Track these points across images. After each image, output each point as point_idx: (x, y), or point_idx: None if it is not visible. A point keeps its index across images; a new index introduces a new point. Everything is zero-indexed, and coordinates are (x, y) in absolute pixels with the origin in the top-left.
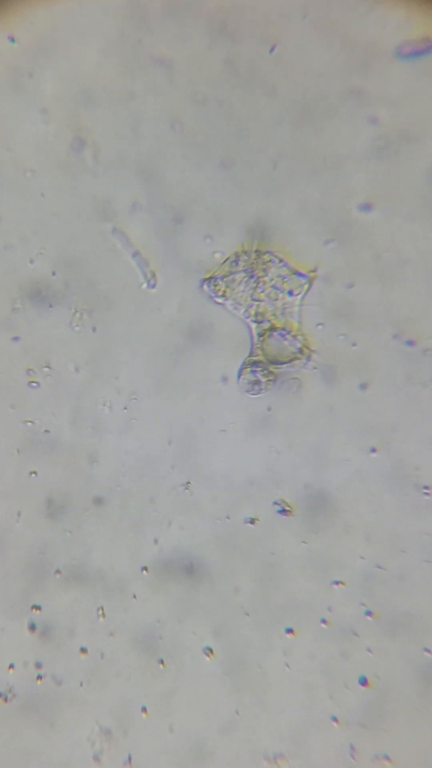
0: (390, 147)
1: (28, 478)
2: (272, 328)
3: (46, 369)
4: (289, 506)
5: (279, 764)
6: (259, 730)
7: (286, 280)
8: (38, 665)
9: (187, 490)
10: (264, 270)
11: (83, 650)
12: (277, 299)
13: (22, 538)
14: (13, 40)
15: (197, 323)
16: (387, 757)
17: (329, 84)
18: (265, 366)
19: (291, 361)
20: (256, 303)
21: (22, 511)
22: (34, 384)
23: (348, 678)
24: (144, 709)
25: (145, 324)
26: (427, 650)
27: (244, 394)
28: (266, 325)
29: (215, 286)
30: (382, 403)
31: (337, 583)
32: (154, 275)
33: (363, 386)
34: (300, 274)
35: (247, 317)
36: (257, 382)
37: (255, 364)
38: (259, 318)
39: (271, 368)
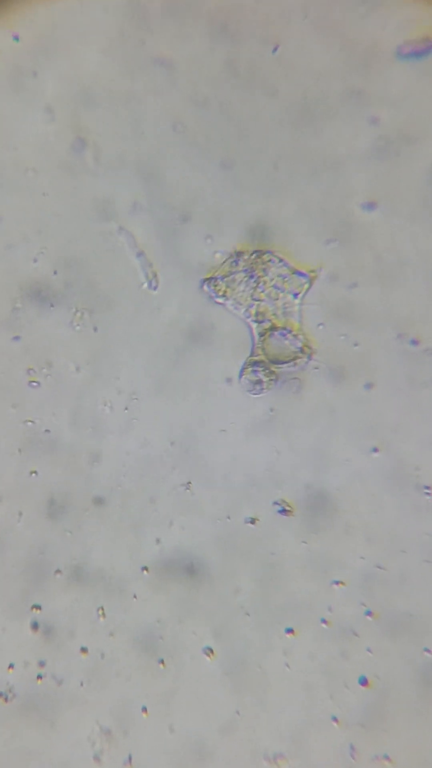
0: (390, 147)
1: (28, 477)
2: (273, 328)
3: (47, 369)
4: (289, 506)
5: (279, 764)
6: (259, 730)
7: (286, 279)
8: (39, 665)
9: (187, 490)
10: (264, 270)
11: (83, 650)
12: (277, 299)
13: (23, 538)
14: (17, 38)
15: (198, 323)
16: (387, 757)
17: (330, 84)
18: (266, 366)
19: (292, 360)
20: (257, 303)
21: (23, 511)
22: (34, 384)
23: (348, 678)
24: (144, 709)
25: (145, 324)
26: (427, 650)
27: (245, 394)
28: (267, 325)
29: (216, 286)
30: (384, 404)
31: (337, 583)
32: (156, 277)
33: (364, 386)
34: (300, 274)
35: (248, 317)
36: (259, 382)
37: (256, 363)
38: (260, 318)
39: (273, 368)
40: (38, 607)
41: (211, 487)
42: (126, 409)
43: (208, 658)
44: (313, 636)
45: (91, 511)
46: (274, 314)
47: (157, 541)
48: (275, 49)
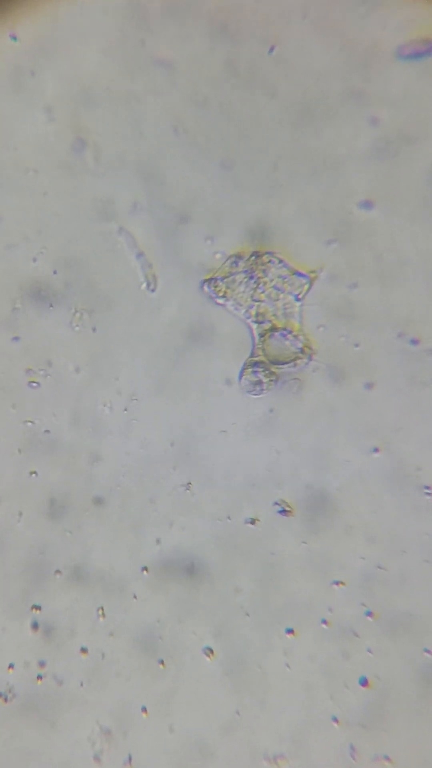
0: (390, 147)
1: (28, 478)
2: (273, 329)
3: (46, 369)
4: (289, 506)
5: (279, 764)
6: (260, 730)
7: (286, 280)
8: (39, 665)
9: (187, 491)
10: (264, 271)
11: (83, 650)
12: (277, 300)
13: (23, 538)
14: (14, 38)
15: (198, 324)
16: (387, 758)
17: (330, 85)
18: (266, 366)
19: (292, 361)
20: (257, 303)
21: (23, 511)
22: (34, 384)
23: (348, 678)
24: (144, 709)
25: (145, 324)
26: (428, 651)
27: (245, 395)
28: (267, 326)
29: (216, 286)
30: (384, 404)
31: (337, 583)
32: (155, 279)
33: (365, 386)
34: (300, 275)
35: (248, 318)
36: (259, 383)
37: (256, 364)
38: (260, 318)
39: (273, 368)
40: (38, 607)
41: (211, 488)
42: (125, 410)
43: (208, 659)
44: (313, 636)
45: (91, 511)
46: (275, 315)
47: (157, 541)
48: (271, 50)
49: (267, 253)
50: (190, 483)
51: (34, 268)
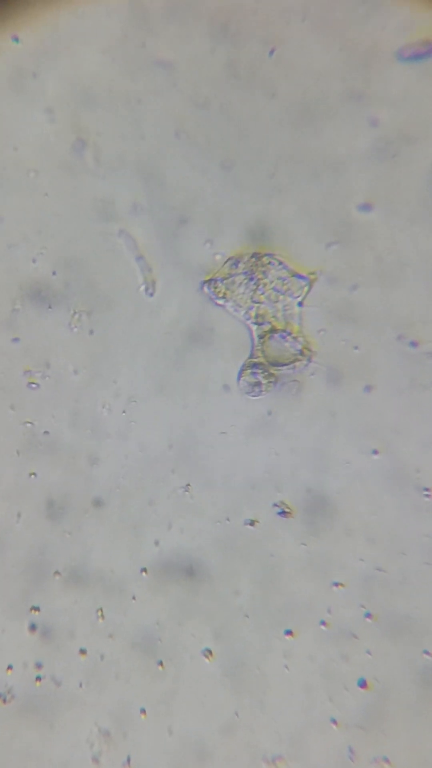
0: (390, 148)
1: (27, 479)
2: (273, 330)
3: (46, 370)
4: (289, 508)
5: (278, 766)
6: (259, 731)
7: (286, 282)
8: (38, 666)
9: (186, 492)
10: (264, 272)
11: (82, 651)
12: (277, 301)
13: (22, 539)
14: (16, 40)
15: (197, 325)
16: (386, 760)
17: (330, 86)
18: (265, 368)
19: (292, 362)
20: (257, 305)
21: (22, 512)
22: (33, 385)
23: (347, 680)
24: (143, 711)
25: (144, 325)
26: (427, 653)
27: (244, 396)
28: (267, 327)
29: (215, 288)
30: (384, 406)
31: (336, 584)
32: (154, 283)
33: (364, 388)
34: (300, 277)
35: (248, 319)
36: (258, 384)
37: (255, 365)
38: (260, 320)
39: (272, 370)
40: (37, 609)
41: (210, 489)
42: (124, 412)
43: (207, 660)
44: (312, 638)
45: (90, 512)
46: (274, 316)
47: (156, 542)
48: (272, 52)
49: (267, 254)
50: (189, 484)
51: (34, 269)
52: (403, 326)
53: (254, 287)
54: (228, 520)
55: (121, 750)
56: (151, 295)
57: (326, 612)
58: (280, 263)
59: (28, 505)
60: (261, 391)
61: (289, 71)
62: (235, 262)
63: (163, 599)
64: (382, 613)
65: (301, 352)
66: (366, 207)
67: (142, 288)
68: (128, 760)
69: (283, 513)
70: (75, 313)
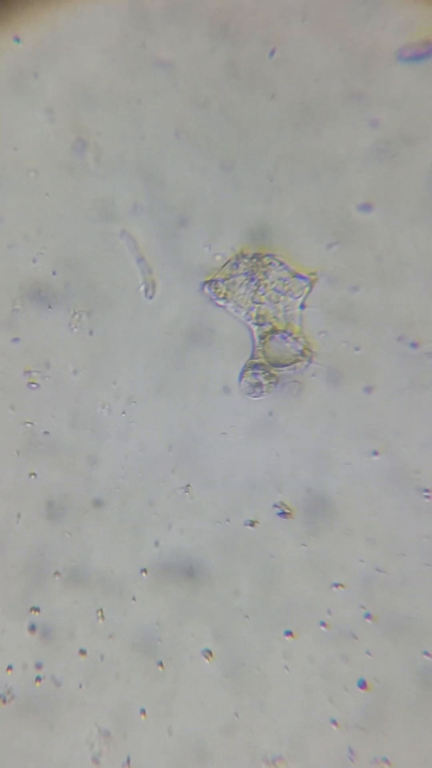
0: (391, 149)
1: (27, 479)
2: (274, 331)
3: (46, 370)
4: (289, 509)
5: (278, 766)
6: (259, 732)
7: (286, 282)
8: (37, 667)
9: (186, 493)
10: (265, 273)
11: (82, 652)
12: (278, 302)
13: (22, 540)
14: (17, 40)
15: (198, 326)
16: (386, 760)
17: (330, 86)
18: (266, 368)
19: (292, 363)
20: (257, 305)
21: (22, 512)
22: (33, 385)
23: (347, 681)
24: (143, 711)
25: (145, 326)
26: (427, 653)
27: (245, 397)
28: (267, 328)
29: (216, 288)
30: (384, 407)
31: (336, 585)
32: (154, 286)
33: (364, 389)
34: (300, 277)
35: (248, 320)
36: (259, 385)
37: (256, 366)
38: (261, 320)
39: (273, 371)
40: (37, 609)
41: (210, 490)
42: (123, 413)
43: (207, 661)
44: (312, 639)
45: (90, 513)
46: (275, 317)
47: (156, 543)
48: (272, 53)
49: (267, 255)
50: (189, 485)
51: (34, 269)
52: (404, 327)
53: (255, 288)
54: (228, 520)
55: (121, 750)
56: (151, 297)
57: (326, 613)
58: (281, 264)
59: (28, 505)
60: (262, 391)
61: (289, 71)
62: (235, 262)
63: (163, 600)
64: (382, 614)
65: (302, 353)
66: (366, 207)
67: (142, 290)
68: (128, 760)
69: (283, 513)
70: (75, 313)
